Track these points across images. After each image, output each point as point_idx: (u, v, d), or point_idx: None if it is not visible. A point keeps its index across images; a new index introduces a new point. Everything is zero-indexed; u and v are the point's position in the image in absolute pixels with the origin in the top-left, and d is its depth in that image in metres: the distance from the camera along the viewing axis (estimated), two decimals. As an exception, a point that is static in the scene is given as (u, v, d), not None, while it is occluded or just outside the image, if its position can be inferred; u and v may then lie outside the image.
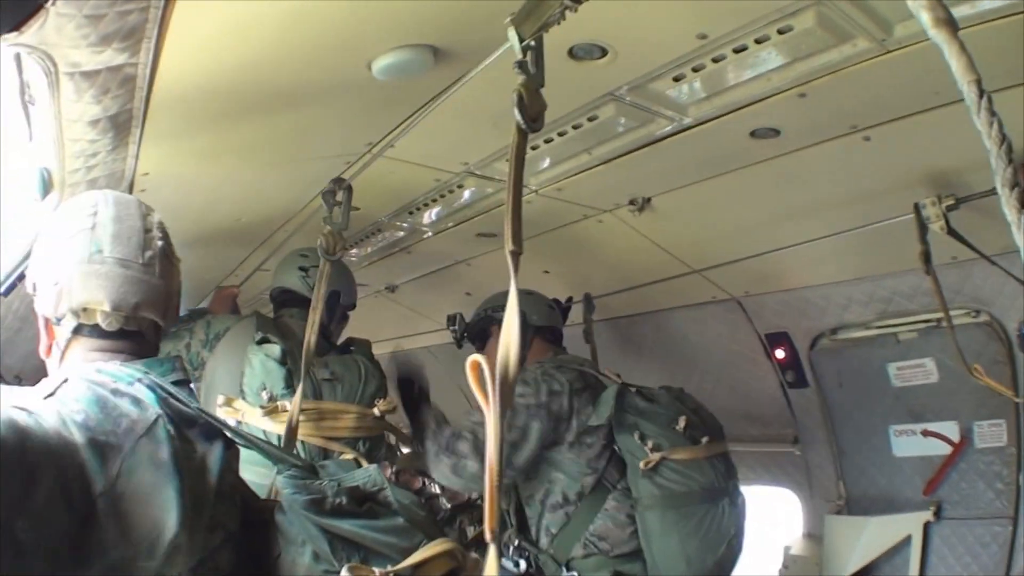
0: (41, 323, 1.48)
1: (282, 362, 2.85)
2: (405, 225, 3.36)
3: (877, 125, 2.09)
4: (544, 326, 3.22)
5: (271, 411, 2.73)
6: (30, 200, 2.22)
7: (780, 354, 3.47)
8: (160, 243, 1.50)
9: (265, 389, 2.79)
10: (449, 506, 4.78)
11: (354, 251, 3.75)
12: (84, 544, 1.08)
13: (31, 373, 2.37)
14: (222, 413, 2.69)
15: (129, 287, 1.40)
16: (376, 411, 2.98)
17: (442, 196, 2.95)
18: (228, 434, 1.41)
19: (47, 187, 2.20)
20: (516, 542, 3.00)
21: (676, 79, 1.90)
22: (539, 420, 2.74)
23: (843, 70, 1.85)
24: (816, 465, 3.63)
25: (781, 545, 3.80)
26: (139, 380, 1.29)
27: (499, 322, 2.78)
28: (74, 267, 1.38)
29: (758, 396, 3.62)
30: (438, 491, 4.85)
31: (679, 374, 3.69)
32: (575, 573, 2.75)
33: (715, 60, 1.82)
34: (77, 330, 1.40)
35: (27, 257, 2.33)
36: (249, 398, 2.82)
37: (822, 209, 2.64)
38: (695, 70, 1.86)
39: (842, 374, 3.40)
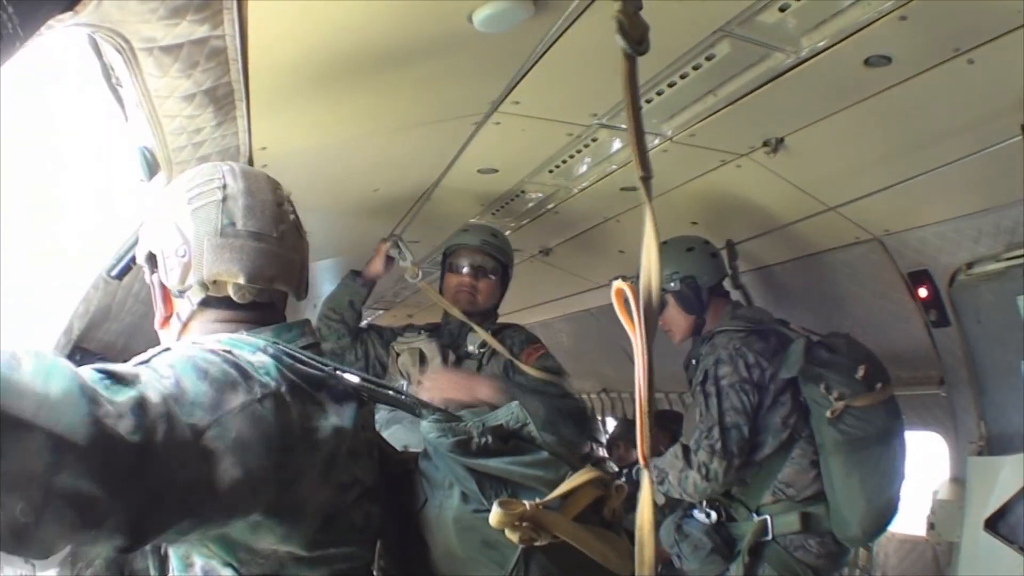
0: (158, 294, 1.52)
1: None
2: (548, 184, 3.39)
3: (978, 47, 2.02)
4: (714, 284, 3.30)
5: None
6: (135, 181, 2.27)
7: (923, 292, 3.48)
8: (292, 216, 1.54)
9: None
10: (617, 468, 5.07)
11: (503, 214, 3.79)
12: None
13: None
14: None
15: (264, 260, 1.43)
16: None
17: (578, 151, 2.96)
18: (363, 393, 1.45)
19: (152, 167, 2.26)
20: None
21: (781, 9, 1.90)
22: (747, 395, 2.93)
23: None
24: (960, 407, 3.63)
25: (928, 491, 3.81)
26: (263, 349, 1.30)
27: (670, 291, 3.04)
28: (205, 239, 1.41)
29: (903, 338, 3.64)
30: (604, 455, 5.22)
31: (827, 319, 3.73)
32: (766, 516, 3.01)
33: None
34: (205, 302, 1.44)
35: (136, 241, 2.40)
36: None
37: (942, 137, 2.60)
38: None
39: (980, 311, 3.37)
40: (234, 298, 1.45)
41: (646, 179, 1.26)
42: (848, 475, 2.89)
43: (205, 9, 1.70)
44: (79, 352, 2.56)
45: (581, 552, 1.32)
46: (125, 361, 2.64)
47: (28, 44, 1.31)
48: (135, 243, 2.39)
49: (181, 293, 1.46)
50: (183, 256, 1.42)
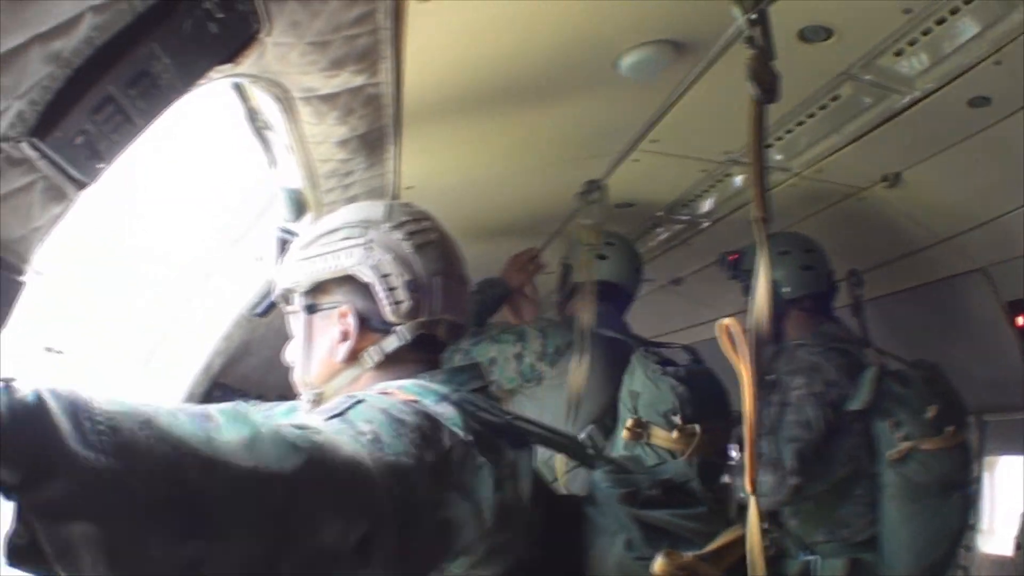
0: (347, 327, 1.47)
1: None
2: (682, 218, 3.52)
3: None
4: (799, 297, 3.08)
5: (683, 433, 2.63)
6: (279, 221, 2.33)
7: (1021, 321, 3.36)
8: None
9: (677, 414, 2.67)
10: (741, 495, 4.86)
11: (637, 246, 3.74)
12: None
13: (293, 393, 2.44)
14: (625, 435, 2.68)
15: (464, 300, 1.52)
16: None
17: (711, 186, 3.09)
18: (534, 439, 1.49)
19: (301, 208, 2.33)
20: (765, 523, 2.82)
21: (897, 54, 2.04)
22: (819, 410, 2.76)
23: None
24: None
25: (1018, 512, 3.63)
26: (446, 398, 1.30)
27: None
28: (438, 278, 1.45)
29: (1000, 365, 3.51)
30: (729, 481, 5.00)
31: (927, 347, 3.52)
32: (817, 557, 2.84)
33: (923, 33, 1.95)
34: (415, 340, 1.44)
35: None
36: (653, 419, 2.70)
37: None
38: (910, 44, 1.99)
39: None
40: (440, 337, 1.48)
41: (763, 220, 1.34)
42: (902, 524, 2.70)
43: (364, 60, 1.75)
44: (218, 388, 2.62)
45: None
46: (262, 396, 2.68)
47: (186, 94, 1.35)
48: None
49: (388, 327, 1.45)
50: (415, 291, 1.43)
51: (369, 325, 1.45)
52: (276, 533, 0.92)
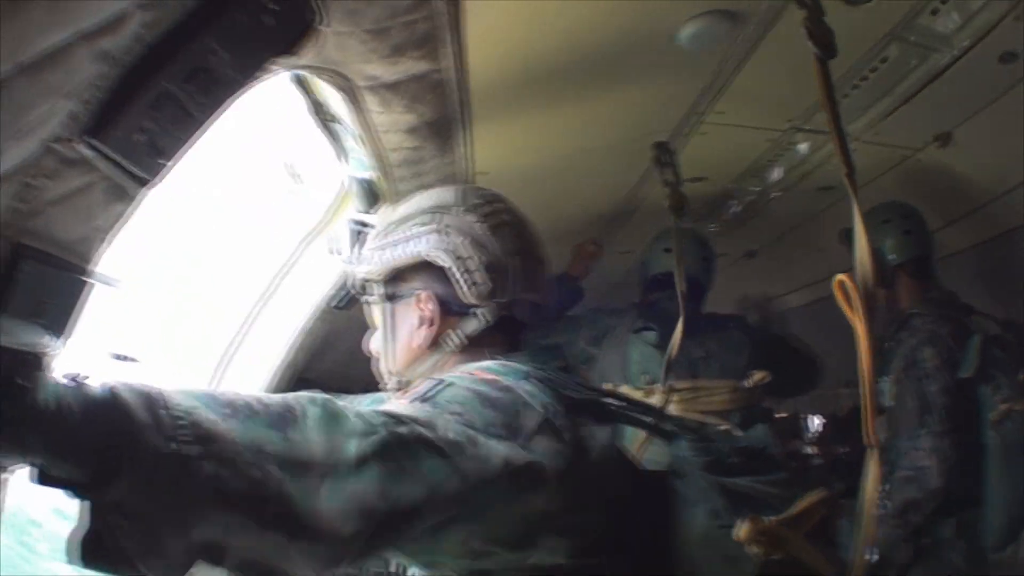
0: (427, 312, 1.48)
1: (658, 347, 3.08)
2: (753, 189, 3.56)
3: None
4: (905, 262, 3.13)
5: (648, 393, 2.94)
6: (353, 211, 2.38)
7: None
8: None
9: (646, 373, 3.06)
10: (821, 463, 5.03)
11: (710, 221, 3.99)
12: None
13: (378, 385, 2.48)
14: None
15: (547, 283, 1.51)
16: (748, 383, 3.01)
17: (778, 156, 3.13)
18: (620, 416, 1.47)
19: (373, 198, 2.35)
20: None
21: (933, 12, 2.09)
22: (950, 377, 2.80)
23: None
24: None
25: None
26: (529, 376, 1.31)
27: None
28: (516, 258, 1.45)
29: None
30: (812, 451, 5.18)
31: (999, 303, 3.46)
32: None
33: None
34: (496, 322, 1.45)
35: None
36: (632, 383, 3.11)
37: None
38: (943, 1, 2.05)
39: None
40: (517, 317, 1.47)
41: (850, 175, 1.38)
42: (1001, 483, 2.75)
43: (425, 45, 1.74)
44: (301, 384, 2.64)
45: (805, 566, 1.39)
46: (345, 389, 2.71)
47: (247, 87, 1.35)
48: None
49: (468, 310, 1.46)
50: (494, 272, 1.43)
51: (449, 309, 1.45)
52: (359, 526, 0.94)
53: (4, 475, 1.24)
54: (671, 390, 2.92)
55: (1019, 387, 2.75)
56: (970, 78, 2.42)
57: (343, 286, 2.54)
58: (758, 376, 3.06)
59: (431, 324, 1.46)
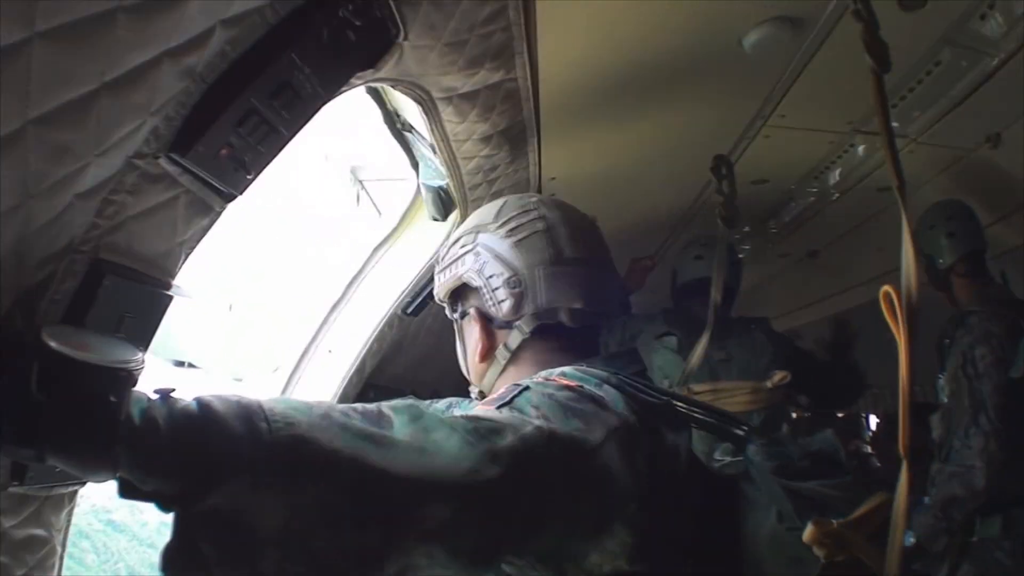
0: (474, 327, 1.53)
1: (678, 352, 3.20)
2: (813, 190, 3.58)
3: None
4: (952, 264, 3.14)
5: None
6: (426, 221, 2.42)
7: None
8: (605, 241, 1.57)
9: (667, 378, 3.11)
10: (879, 464, 5.00)
11: (772, 221, 3.99)
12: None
13: (448, 390, 2.49)
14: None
15: (594, 285, 1.48)
16: (769, 384, 3.11)
17: (839, 157, 3.15)
18: (694, 420, 1.51)
19: (447, 206, 2.37)
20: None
21: (982, 17, 2.14)
22: (1003, 374, 2.81)
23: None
24: None
25: None
26: (606, 381, 1.33)
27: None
28: (538, 268, 1.46)
29: None
30: (870, 451, 5.22)
31: None
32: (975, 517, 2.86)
33: None
34: (538, 331, 1.47)
35: (432, 278, 2.48)
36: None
37: None
38: (990, 7, 2.11)
39: None
40: (567, 323, 1.46)
41: (901, 187, 1.39)
42: None
43: (500, 56, 1.76)
44: (372, 389, 2.66)
45: (867, 568, 1.37)
46: (415, 394, 2.71)
47: (330, 101, 1.35)
48: (429, 280, 2.52)
49: (508, 324, 1.49)
50: (515, 287, 1.45)
51: (494, 324, 1.49)
52: (451, 531, 0.96)
53: (75, 487, 1.26)
54: (690, 393, 2.93)
55: None
56: (1018, 80, 2.44)
57: (416, 292, 2.56)
58: (779, 376, 3.09)
59: (483, 340, 1.50)
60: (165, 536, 0.85)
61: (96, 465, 0.86)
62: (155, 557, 0.85)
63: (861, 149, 3.08)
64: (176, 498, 0.85)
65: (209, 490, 0.83)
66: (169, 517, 0.86)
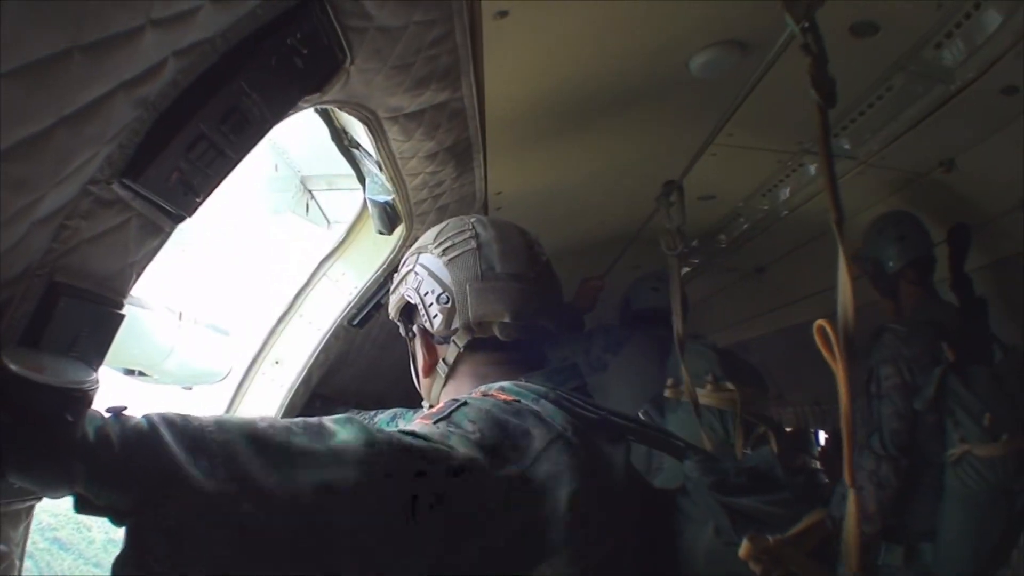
0: (419, 345, 1.59)
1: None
2: (763, 208, 3.60)
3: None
4: (902, 269, 3.12)
5: (716, 389, 3.06)
6: (372, 234, 2.44)
7: None
8: (544, 257, 1.60)
9: (709, 372, 3.09)
10: (827, 480, 4.80)
11: (721, 236, 4.03)
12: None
13: (392, 401, 2.59)
14: (667, 392, 3.15)
15: (525, 299, 1.48)
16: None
17: (787, 176, 3.18)
18: (630, 435, 1.51)
19: (393, 220, 2.37)
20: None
21: (936, 46, 2.14)
22: (908, 400, 2.79)
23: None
24: None
25: None
26: (544, 396, 1.35)
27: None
28: (467, 284, 1.47)
29: None
30: (818, 466, 5.07)
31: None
32: (882, 542, 2.87)
33: (956, 26, 2.04)
34: (470, 345, 1.49)
35: (379, 289, 2.49)
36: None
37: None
38: (947, 36, 2.10)
39: None
40: (500, 337, 1.49)
41: (839, 223, 1.38)
42: (960, 525, 2.70)
43: (446, 77, 1.79)
44: (318, 399, 2.68)
45: None
46: (360, 405, 2.71)
47: (276, 125, 1.38)
48: (375, 292, 2.58)
49: (446, 339, 1.53)
50: (446, 303, 1.49)
51: (433, 340, 1.54)
52: (387, 543, 1.01)
53: (32, 502, 1.27)
54: (677, 394, 3.09)
55: (984, 431, 2.67)
56: (973, 109, 2.46)
57: (362, 305, 2.58)
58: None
59: (425, 355, 1.55)
60: (111, 554, 0.89)
61: (55, 481, 0.88)
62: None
63: (811, 169, 3.10)
64: (128, 512, 0.88)
65: (157, 505, 0.87)
66: (119, 533, 0.89)
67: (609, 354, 3.62)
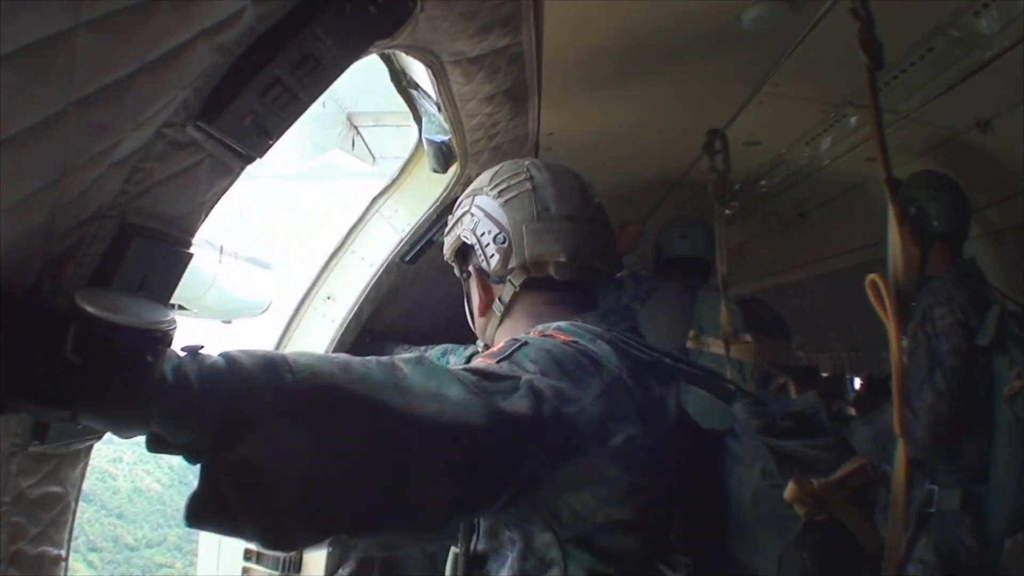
0: (474, 283, 1.58)
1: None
2: (804, 155, 3.62)
3: None
4: (944, 233, 3.11)
5: (737, 341, 3.12)
6: (426, 172, 2.45)
7: None
8: (596, 200, 1.60)
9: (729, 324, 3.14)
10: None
11: (763, 181, 4.04)
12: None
13: (439, 337, 2.64)
14: (689, 343, 3.27)
15: (580, 239, 1.49)
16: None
17: (831, 126, 3.19)
18: (683, 375, 1.54)
19: (448, 159, 2.39)
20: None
21: (975, 14, 2.17)
22: (962, 339, 2.80)
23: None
24: None
25: None
26: (600, 336, 1.36)
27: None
28: (524, 225, 1.48)
29: None
30: (853, 412, 5.05)
31: None
32: (936, 487, 2.88)
33: None
34: (526, 284, 1.50)
35: (432, 226, 2.49)
36: (712, 333, 3.28)
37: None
38: (984, 6, 2.14)
39: None
40: (555, 277, 1.50)
41: (889, 179, 1.41)
42: (1010, 462, 2.70)
43: (509, 23, 1.79)
44: (368, 335, 2.71)
45: (846, 528, 1.44)
46: (408, 340, 2.73)
47: (347, 68, 1.37)
48: (428, 229, 2.59)
49: (501, 278, 1.54)
50: (503, 243, 1.49)
51: (489, 280, 1.54)
52: (460, 474, 1.04)
53: (92, 441, 1.30)
54: (700, 347, 3.23)
55: None
56: (1011, 72, 2.45)
57: (414, 241, 2.59)
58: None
59: (481, 295, 1.56)
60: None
61: (131, 422, 0.89)
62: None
63: (853, 120, 3.11)
64: (206, 449, 0.88)
65: (237, 440, 0.86)
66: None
67: (637, 303, 3.62)
